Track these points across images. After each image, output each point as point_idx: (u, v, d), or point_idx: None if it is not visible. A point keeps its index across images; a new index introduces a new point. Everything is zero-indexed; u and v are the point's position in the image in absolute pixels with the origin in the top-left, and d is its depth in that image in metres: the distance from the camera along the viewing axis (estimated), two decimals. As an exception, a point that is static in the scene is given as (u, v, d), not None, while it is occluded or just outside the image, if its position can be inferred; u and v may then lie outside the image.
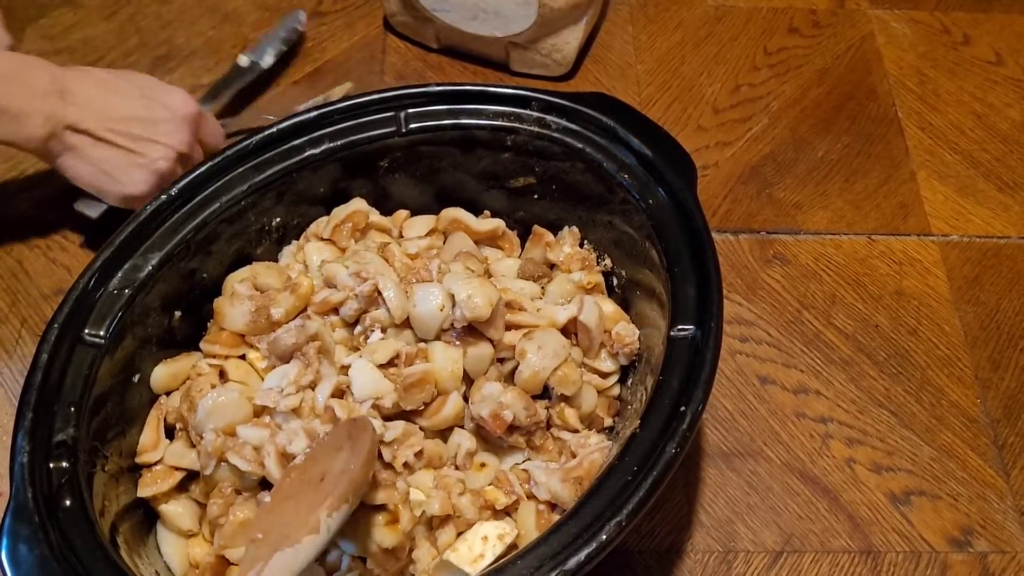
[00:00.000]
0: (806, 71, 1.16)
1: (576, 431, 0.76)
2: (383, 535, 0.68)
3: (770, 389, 0.90)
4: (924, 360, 0.93)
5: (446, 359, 0.75)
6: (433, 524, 0.71)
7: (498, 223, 0.87)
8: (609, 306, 0.81)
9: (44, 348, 0.70)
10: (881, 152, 1.08)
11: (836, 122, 1.11)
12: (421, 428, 0.74)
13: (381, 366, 0.74)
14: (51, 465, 0.66)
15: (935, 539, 0.82)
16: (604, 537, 0.61)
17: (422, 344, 0.76)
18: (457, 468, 0.75)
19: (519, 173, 0.86)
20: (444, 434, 0.76)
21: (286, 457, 0.70)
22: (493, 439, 0.75)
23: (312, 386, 0.73)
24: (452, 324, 0.75)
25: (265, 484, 0.71)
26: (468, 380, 0.76)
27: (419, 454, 0.72)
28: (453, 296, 0.74)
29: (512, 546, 0.70)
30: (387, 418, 0.73)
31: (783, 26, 1.21)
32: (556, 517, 0.71)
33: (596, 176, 0.81)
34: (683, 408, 0.66)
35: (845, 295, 0.97)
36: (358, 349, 0.77)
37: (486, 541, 0.69)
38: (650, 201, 0.78)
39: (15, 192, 1.03)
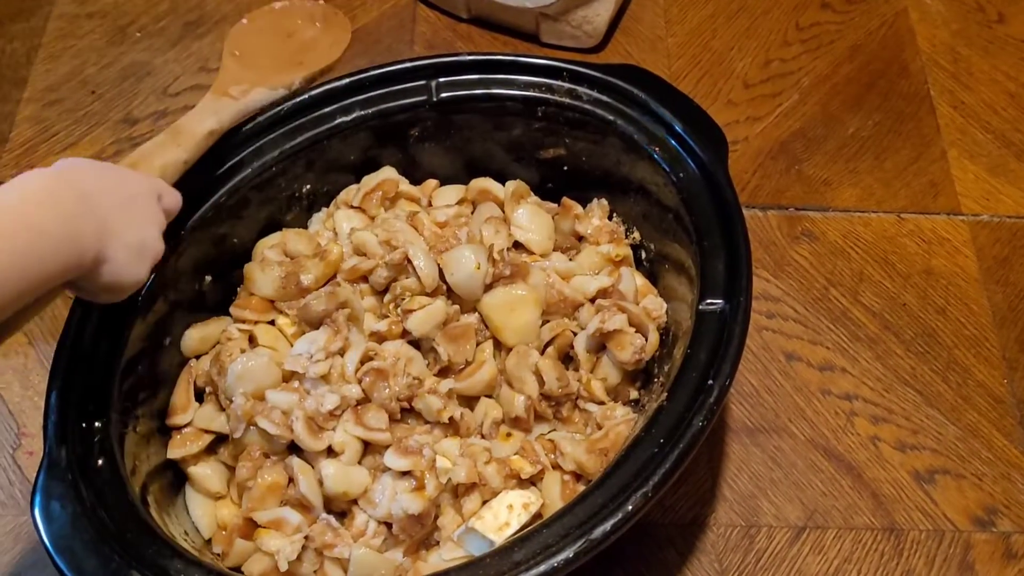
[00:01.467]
0: (838, 47, 1.15)
1: (602, 403, 0.77)
2: (409, 501, 0.69)
3: (796, 365, 0.90)
4: (951, 339, 0.92)
5: (503, 303, 0.76)
6: (459, 492, 0.72)
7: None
8: (638, 279, 0.81)
9: (76, 309, 0.71)
10: (912, 130, 1.08)
11: (867, 99, 1.10)
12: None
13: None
14: (83, 426, 0.67)
15: (958, 518, 0.82)
16: (630, 508, 0.61)
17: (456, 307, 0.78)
18: (483, 437, 0.75)
19: (549, 144, 0.86)
20: (470, 403, 0.77)
21: (315, 421, 0.71)
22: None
23: (341, 352, 0.74)
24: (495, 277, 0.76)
25: (293, 448, 0.72)
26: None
27: (452, 420, 0.73)
28: (492, 247, 0.76)
29: (537, 515, 0.70)
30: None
31: (816, 1, 1.19)
32: (581, 488, 0.71)
33: (626, 148, 0.81)
34: (711, 381, 0.66)
35: (873, 273, 0.96)
36: (387, 316, 0.77)
37: (511, 510, 0.70)
38: (680, 174, 0.77)
39: (45, 154, 1.04)
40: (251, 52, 0.80)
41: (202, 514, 0.74)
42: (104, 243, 0.58)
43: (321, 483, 0.70)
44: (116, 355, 0.71)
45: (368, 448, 0.73)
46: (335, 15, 0.87)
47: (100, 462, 0.65)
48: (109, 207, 0.59)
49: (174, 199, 0.68)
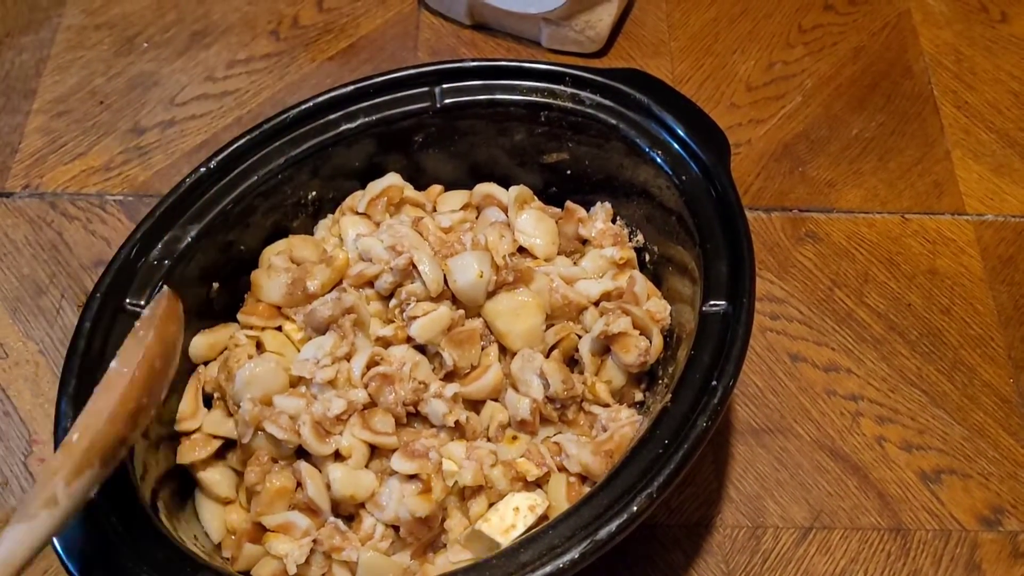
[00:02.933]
0: (841, 48, 1.15)
1: (607, 405, 0.77)
2: (416, 504, 0.69)
3: (801, 366, 0.91)
4: (957, 339, 0.92)
5: (507, 310, 0.77)
6: (465, 494, 0.72)
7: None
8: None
9: (87, 316, 0.72)
10: (916, 131, 1.08)
11: (871, 100, 1.10)
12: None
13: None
14: (93, 431, 0.67)
15: (965, 518, 0.82)
16: (635, 509, 0.61)
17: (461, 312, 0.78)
18: (489, 440, 0.76)
19: (552, 148, 0.86)
20: (476, 407, 0.77)
21: (322, 426, 0.71)
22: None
23: (347, 357, 0.74)
24: (497, 285, 0.77)
25: (301, 452, 0.73)
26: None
27: (458, 423, 0.73)
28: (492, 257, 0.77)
29: (543, 517, 0.71)
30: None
31: (818, 3, 1.20)
32: (587, 489, 0.71)
33: (629, 152, 0.82)
34: (714, 383, 0.66)
35: (878, 274, 0.97)
36: (393, 321, 0.78)
37: (517, 512, 0.70)
38: (683, 177, 0.78)
39: (55, 165, 1.05)
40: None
41: (211, 519, 0.75)
42: None
43: (329, 487, 0.71)
44: (125, 362, 0.71)
45: (375, 452, 0.73)
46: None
47: (110, 468, 0.66)
48: None
49: None
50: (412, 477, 0.71)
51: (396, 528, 0.71)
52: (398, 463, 0.71)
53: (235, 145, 0.81)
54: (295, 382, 0.74)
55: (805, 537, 0.82)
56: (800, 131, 1.08)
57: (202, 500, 0.76)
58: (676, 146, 0.79)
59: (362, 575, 0.69)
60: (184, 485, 0.76)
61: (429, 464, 0.71)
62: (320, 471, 0.72)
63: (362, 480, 0.71)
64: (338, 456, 0.72)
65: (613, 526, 0.61)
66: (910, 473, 0.85)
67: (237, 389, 0.73)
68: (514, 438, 0.75)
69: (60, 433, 0.67)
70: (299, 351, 0.77)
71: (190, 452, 0.74)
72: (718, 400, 0.65)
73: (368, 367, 0.74)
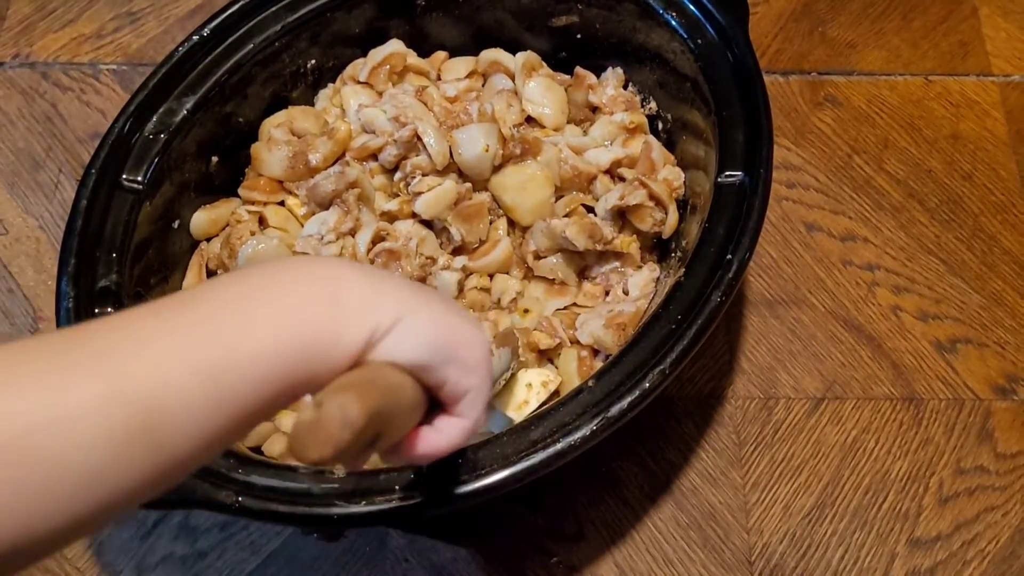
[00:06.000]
0: (866, -101, 1.09)
1: (639, 266, 0.75)
2: None
3: (817, 236, 0.89)
4: (977, 206, 0.90)
5: (515, 183, 0.75)
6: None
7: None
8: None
9: (83, 194, 0.70)
10: (942, -14, 1.03)
11: (896, -46, 1.05)
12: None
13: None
14: (96, 311, 0.66)
15: (979, 387, 0.82)
16: (647, 385, 0.61)
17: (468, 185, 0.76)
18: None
19: (561, 11, 0.82)
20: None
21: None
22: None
23: (352, 233, 0.73)
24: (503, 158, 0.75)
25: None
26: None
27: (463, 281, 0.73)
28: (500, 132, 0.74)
29: (555, 393, 0.70)
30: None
31: None
32: (599, 364, 0.71)
33: (642, 14, 0.78)
34: (729, 256, 0.65)
35: (898, 139, 0.94)
36: (398, 195, 0.76)
37: (530, 388, 0.70)
38: (699, 41, 0.74)
39: (44, 33, 1.01)
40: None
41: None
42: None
43: None
44: (125, 239, 0.70)
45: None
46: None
47: (115, 348, 0.65)
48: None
49: None
50: None
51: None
52: None
53: (230, 11, 0.78)
54: (299, 259, 0.73)
55: (817, 407, 0.81)
56: (821, -12, 1.03)
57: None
58: (691, 7, 0.75)
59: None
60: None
61: None
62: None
63: None
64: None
65: (625, 403, 0.60)
66: (925, 343, 0.84)
67: (240, 266, 0.71)
68: (526, 311, 0.74)
69: (61, 313, 0.65)
70: (303, 226, 0.75)
71: (195, 331, 0.73)
72: (732, 274, 0.64)
73: (373, 242, 0.72)
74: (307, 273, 0.43)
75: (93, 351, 0.36)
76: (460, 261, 0.73)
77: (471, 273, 0.75)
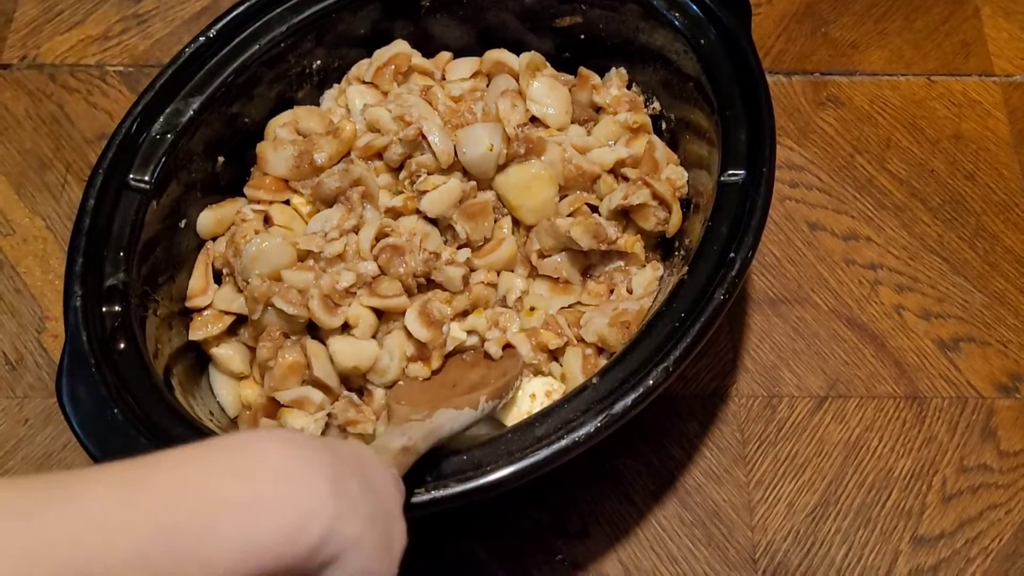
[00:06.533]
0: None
1: (643, 264, 0.76)
2: (417, 370, 0.70)
3: (819, 235, 0.89)
4: (980, 205, 0.90)
5: (519, 183, 0.75)
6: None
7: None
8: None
9: (91, 193, 0.70)
10: (945, -13, 1.03)
11: (898, -45, 1.05)
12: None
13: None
14: (104, 309, 0.67)
15: (982, 385, 0.82)
16: (651, 382, 0.61)
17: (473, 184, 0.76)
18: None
19: (565, 12, 0.83)
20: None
21: (331, 299, 0.70)
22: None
23: (355, 230, 0.73)
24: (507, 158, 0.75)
25: (312, 327, 0.72)
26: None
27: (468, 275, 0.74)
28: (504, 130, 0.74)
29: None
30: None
31: None
32: (603, 361, 0.71)
33: (645, 14, 0.78)
34: (732, 254, 0.65)
35: (901, 139, 0.94)
36: (402, 193, 0.76)
37: (534, 399, 0.70)
38: (702, 41, 0.75)
39: (52, 35, 1.02)
40: (416, 398, 0.67)
41: (226, 394, 0.75)
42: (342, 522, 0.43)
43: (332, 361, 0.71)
44: (132, 238, 0.70)
45: (383, 318, 0.73)
46: (506, 354, 0.74)
47: (122, 345, 0.66)
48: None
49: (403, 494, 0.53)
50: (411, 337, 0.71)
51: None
52: (413, 324, 0.70)
53: (236, 12, 0.78)
54: (303, 256, 0.73)
55: (820, 406, 0.81)
56: (823, -11, 1.04)
57: (216, 376, 0.76)
58: (694, 8, 0.76)
59: (378, 449, 0.69)
60: (198, 362, 0.76)
61: (440, 336, 0.70)
62: (326, 347, 0.71)
63: (364, 350, 0.71)
64: (347, 328, 0.72)
65: (629, 400, 0.60)
66: (928, 341, 0.84)
67: (244, 265, 0.72)
68: (532, 309, 0.75)
69: (69, 312, 0.66)
70: (308, 224, 0.76)
71: (201, 328, 0.74)
72: (736, 272, 0.64)
73: (377, 239, 0.73)
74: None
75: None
76: (464, 254, 0.74)
77: (475, 269, 0.75)
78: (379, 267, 0.72)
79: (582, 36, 0.84)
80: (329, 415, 0.70)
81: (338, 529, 0.43)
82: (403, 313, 0.71)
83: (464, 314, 0.74)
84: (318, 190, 0.75)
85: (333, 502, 0.43)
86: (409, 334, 0.70)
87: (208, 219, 0.77)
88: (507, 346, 0.73)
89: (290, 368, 0.71)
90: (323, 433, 0.70)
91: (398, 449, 0.56)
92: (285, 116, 0.81)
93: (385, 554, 0.47)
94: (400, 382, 0.71)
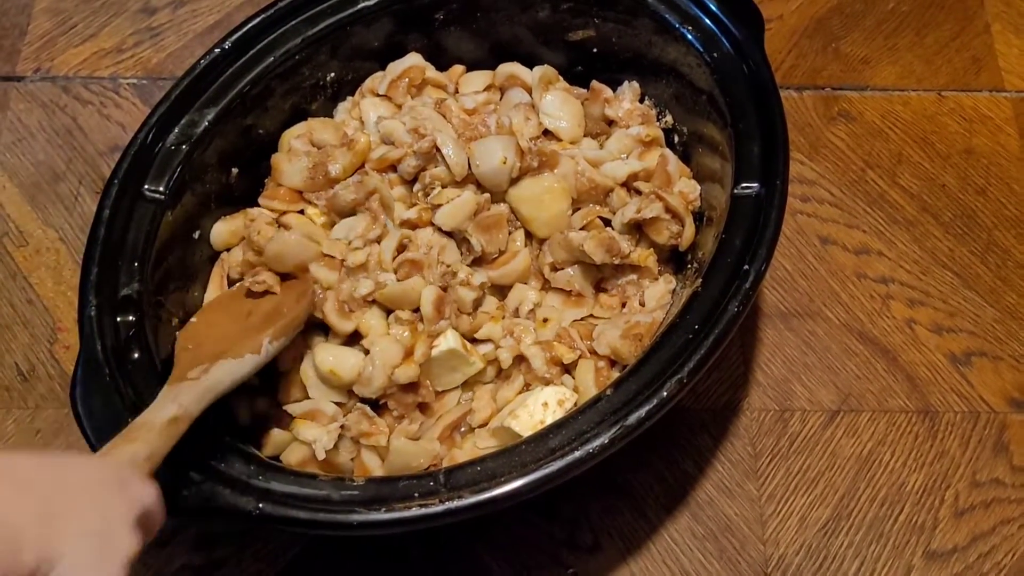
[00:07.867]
0: (878, -83, 1.10)
1: (655, 277, 0.76)
2: (400, 372, 0.70)
3: (831, 249, 0.89)
4: (991, 220, 0.90)
5: (532, 196, 0.76)
6: (501, 375, 0.73)
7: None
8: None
9: (106, 203, 0.71)
10: (954, 3, 1.03)
11: (908, -29, 1.06)
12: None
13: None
14: (118, 319, 0.67)
15: (995, 399, 0.82)
16: (665, 394, 0.61)
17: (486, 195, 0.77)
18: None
19: (578, 25, 0.83)
20: (503, 292, 0.76)
21: (346, 304, 0.71)
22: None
23: (378, 240, 0.74)
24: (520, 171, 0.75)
25: (323, 329, 0.72)
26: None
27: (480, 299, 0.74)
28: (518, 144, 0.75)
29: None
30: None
31: None
32: (615, 374, 0.71)
33: (658, 28, 0.78)
34: (746, 267, 0.65)
35: (912, 154, 0.94)
36: (416, 205, 0.76)
37: (547, 407, 0.70)
38: (714, 54, 0.75)
39: (65, 47, 1.02)
40: (206, 340, 0.68)
41: (239, 405, 0.75)
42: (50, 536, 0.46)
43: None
44: (147, 248, 0.70)
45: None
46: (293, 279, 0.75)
47: (136, 355, 0.66)
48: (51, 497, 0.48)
49: (145, 492, 0.53)
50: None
51: (421, 407, 0.72)
52: (427, 306, 0.72)
53: (250, 24, 0.79)
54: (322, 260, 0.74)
55: (832, 420, 0.81)
56: (834, 5, 1.04)
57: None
58: (707, 21, 0.76)
59: (393, 461, 0.69)
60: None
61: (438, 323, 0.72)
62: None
63: (345, 358, 0.71)
64: (358, 336, 0.72)
65: (643, 411, 0.60)
66: (940, 356, 0.84)
67: (268, 259, 0.72)
68: (545, 321, 0.75)
69: (84, 321, 0.66)
70: (331, 232, 0.77)
71: (215, 339, 0.74)
72: (750, 284, 0.64)
73: (397, 251, 0.73)
74: None
75: None
76: (480, 278, 0.74)
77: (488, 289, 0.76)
78: (398, 281, 0.72)
79: (595, 50, 0.84)
80: (342, 427, 0.70)
81: (44, 547, 0.45)
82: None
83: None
84: (333, 201, 0.75)
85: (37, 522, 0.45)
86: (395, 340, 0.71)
87: (222, 231, 0.77)
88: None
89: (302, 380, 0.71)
90: (336, 445, 0.70)
91: (165, 422, 0.58)
92: (299, 128, 0.82)
93: (104, 565, 0.48)
94: (192, 319, 0.71)
